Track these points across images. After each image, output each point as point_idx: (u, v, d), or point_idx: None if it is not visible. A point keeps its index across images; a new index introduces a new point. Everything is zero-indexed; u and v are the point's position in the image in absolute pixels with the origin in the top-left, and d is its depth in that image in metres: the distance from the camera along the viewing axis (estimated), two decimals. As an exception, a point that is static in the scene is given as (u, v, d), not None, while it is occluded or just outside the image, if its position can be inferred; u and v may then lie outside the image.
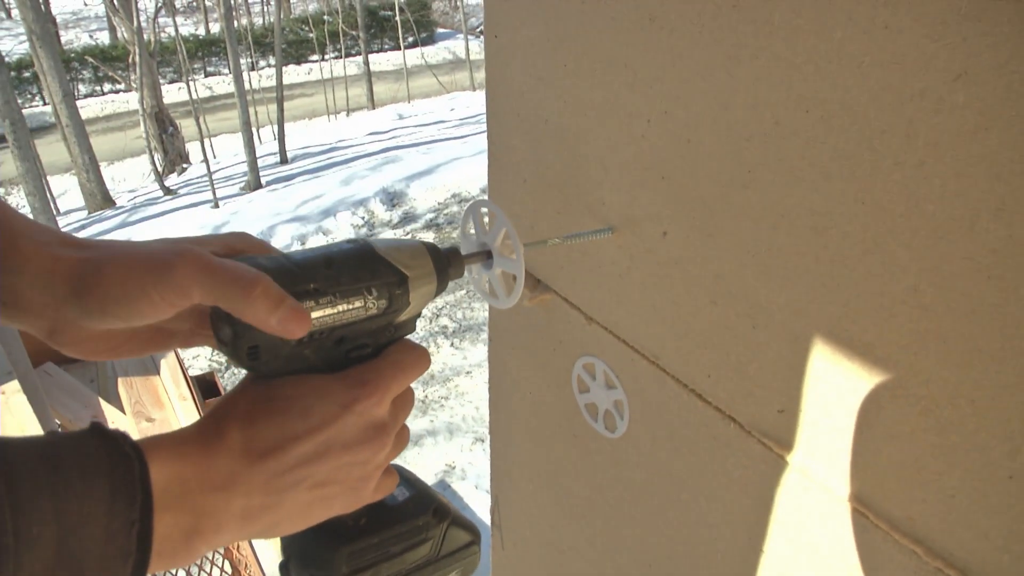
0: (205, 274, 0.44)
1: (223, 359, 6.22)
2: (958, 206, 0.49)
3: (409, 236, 8.36)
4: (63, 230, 0.49)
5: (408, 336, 0.57)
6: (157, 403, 2.56)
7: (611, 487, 0.95)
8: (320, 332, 0.49)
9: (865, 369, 0.59)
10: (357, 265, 0.51)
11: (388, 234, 8.55)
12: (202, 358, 6.43)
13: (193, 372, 5.78)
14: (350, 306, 0.50)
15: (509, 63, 0.90)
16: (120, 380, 2.55)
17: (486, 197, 0.76)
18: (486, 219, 0.72)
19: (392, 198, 9.53)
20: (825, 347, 0.61)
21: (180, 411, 2.42)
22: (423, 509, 0.59)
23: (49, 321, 0.47)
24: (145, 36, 12.05)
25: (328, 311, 0.49)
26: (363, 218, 9.05)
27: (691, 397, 0.76)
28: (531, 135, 0.90)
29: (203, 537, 0.44)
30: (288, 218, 9.12)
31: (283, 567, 0.59)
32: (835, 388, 0.61)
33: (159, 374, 2.58)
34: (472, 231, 0.72)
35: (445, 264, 0.58)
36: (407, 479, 0.61)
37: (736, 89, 0.62)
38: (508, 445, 1.20)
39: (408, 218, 8.96)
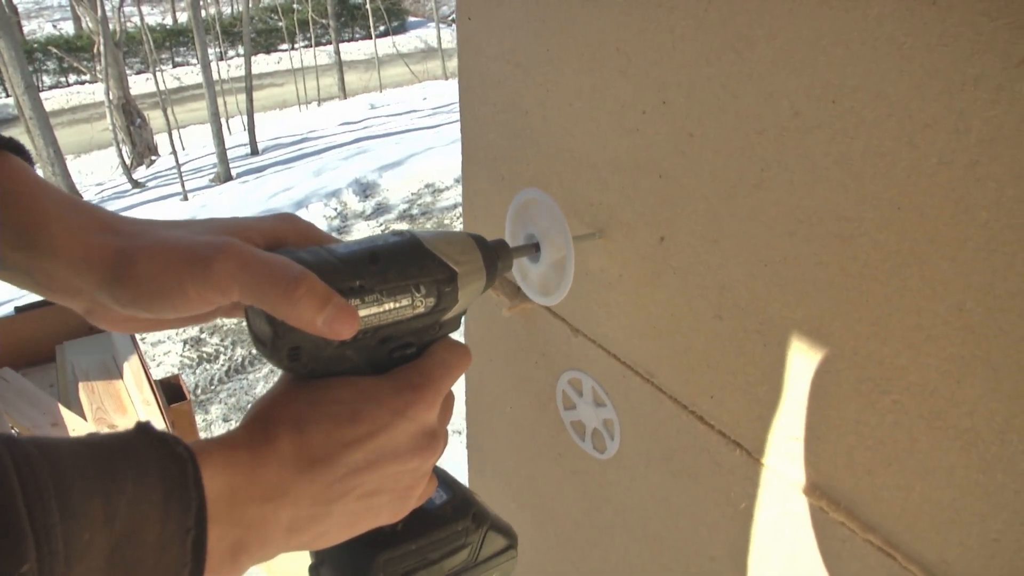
0: (246, 273, 0.41)
1: (194, 355, 6.10)
2: (1017, 214, 0.42)
3: (382, 228, 8.27)
4: (101, 208, 0.46)
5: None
6: (120, 408, 2.46)
7: (599, 510, 0.88)
8: (364, 332, 0.46)
9: (896, 396, 0.52)
10: (405, 261, 0.48)
11: (361, 225, 8.45)
12: (173, 354, 6.30)
13: (171, 364, 5.66)
14: (397, 304, 0.47)
15: (484, 48, 0.82)
16: (81, 385, 2.44)
17: (535, 188, 0.70)
18: (529, 210, 0.70)
19: (365, 189, 9.39)
20: (850, 370, 0.54)
21: (144, 416, 2.32)
22: (463, 514, 0.55)
23: (85, 302, 0.46)
24: (110, 26, 11.78)
25: (374, 310, 0.46)
26: (336, 209, 8.91)
27: (691, 419, 0.69)
28: (509, 128, 0.81)
29: (249, 552, 0.41)
30: (259, 210, 8.96)
31: (313, 571, 0.55)
32: (859, 416, 0.54)
33: (122, 378, 2.47)
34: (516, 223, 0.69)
35: (494, 258, 0.54)
36: (445, 481, 0.58)
37: (748, 75, 0.54)
38: (486, 462, 1.12)
39: (381, 209, 8.84)
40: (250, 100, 12.37)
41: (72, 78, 19.97)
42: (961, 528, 0.50)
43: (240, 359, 5.92)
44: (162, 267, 0.42)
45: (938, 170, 0.45)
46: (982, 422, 0.47)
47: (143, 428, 0.39)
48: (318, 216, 8.77)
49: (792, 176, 0.53)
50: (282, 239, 0.49)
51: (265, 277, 0.41)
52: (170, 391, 2.58)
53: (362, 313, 0.45)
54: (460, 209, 8.18)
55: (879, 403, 0.53)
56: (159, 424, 2.22)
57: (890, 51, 0.45)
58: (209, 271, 0.41)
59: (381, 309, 0.46)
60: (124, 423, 2.43)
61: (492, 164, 0.86)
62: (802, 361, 0.57)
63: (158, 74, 13.06)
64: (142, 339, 6.20)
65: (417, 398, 0.47)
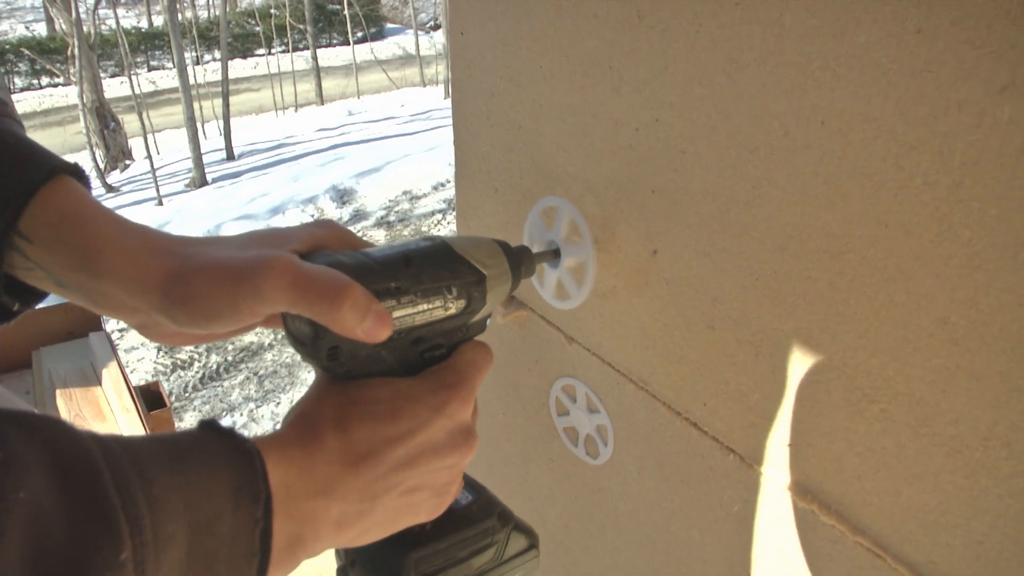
0: (294, 288, 0.43)
1: (168, 362, 6.04)
2: (999, 233, 0.44)
3: (360, 234, 8.24)
4: (155, 229, 0.48)
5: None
6: (99, 415, 2.43)
7: (591, 515, 0.90)
8: (399, 333, 0.48)
9: (883, 405, 0.54)
10: (437, 263, 0.50)
11: (339, 232, 8.40)
12: (147, 360, 6.24)
13: (145, 371, 5.61)
14: (430, 305, 0.49)
15: (477, 62, 0.83)
16: (59, 392, 2.42)
17: (555, 195, 0.73)
18: (547, 217, 0.73)
19: (342, 195, 9.35)
20: (839, 379, 0.56)
21: (123, 423, 2.30)
22: (489, 513, 0.57)
23: (140, 319, 0.48)
24: (85, 28, 11.65)
25: (409, 310, 0.48)
26: (312, 216, 8.87)
27: (685, 425, 0.71)
28: (503, 141, 0.83)
29: (304, 546, 0.43)
30: (235, 216, 8.90)
31: (342, 572, 0.56)
32: (849, 423, 0.56)
33: (100, 384, 2.45)
34: (535, 230, 0.72)
35: (519, 262, 0.57)
36: (468, 482, 0.59)
37: (739, 96, 0.56)
38: (479, 466, 1.13)
39: (359, 215, 8.81)
40: (226, 105, 12.28)
41: (45, 80, 19.72)
42: (947, 530, 0.53)
43: (215, 366, 5.88)
44: (216, 286, 0.44)
45: (923, 190, 0.47)
46: (966, 429, 0.50)
47: (208, 424, 0.41)
48: (295, 222, 8.70)
49: (782, 194, 0.55)
50: (321, 244, 0.51)
51: (312, 291, 0.43)
52: (150, 398, 2.56)
53: (397, 314, 0.47)
54: (437, 216, 8.18)
55: (867, 411, 0.55)
56: (139, 432, 2.21)
57: (877, 76, 0.47)
58: (259, 287, 0.43)
59: (416, 310, 0.48)
60: (103, 430, 2.40)
61: (485, 176, 0.87)
62: (793, 371, 0.59)
63: (133, 77, 12.92)
64: (115, 345, 6.14)
65: (453, 396, 0.50)
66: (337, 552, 0.55)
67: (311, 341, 0.46)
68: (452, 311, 0.51)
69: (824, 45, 0.50)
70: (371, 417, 0.47)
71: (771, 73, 0.54)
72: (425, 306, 0.49)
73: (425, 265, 0.49)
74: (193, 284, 0.44)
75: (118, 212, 0.48)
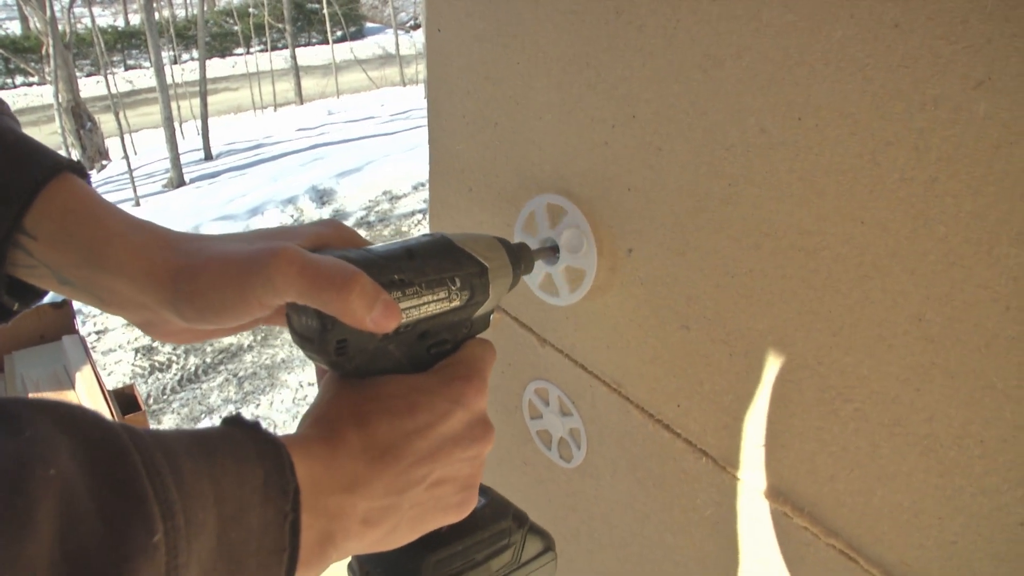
0: (301, 276, 0.43)
1: (146, 364, 5.97)
2: (975, 229, 0.44)
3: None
4: (160, 226, 0.49)
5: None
6: (71, 418, 2.39)
7: (566, 518, 0.89)
8: (406, 325, 0.49)
9: (858, 404, 0.53)
10: (439, 256, 0.51)
11: (318, 233, 8.36)
12: (124, 363, 6.17)
13: (123, 374, 5.53)
14: (435, 296, 0.50)
15: (453, 59, 0.82)
16: (31, 396, 2.37)
17: (554, 192, 0.72)
18: (546, 214, 0.73)
19: (322, 195, 9.31)
20: (813, 379, 0.55)
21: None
22: (503, 515, 0.57)
23: (145, 316, 0.48)
24: (60, 26, 11.52)
25: (414, 301, 0.48)
26: (292, 216, 8.82)
27: (657, 427, 0.70)
28: (478, 139, 0.82)
29: (334, 544, 0.42)
30: (214, 216, 8.83)
31: None
32: (822, 423, 0.56)
33: (74, 388, 2.41)
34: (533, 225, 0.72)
35: (518, 257, 0.57)
36: (480, 486, 0.59)
37: (716, 93, 0.55)
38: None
39: (339, 215, 8.77)
40: (204, 104, 12.19)
41: (19, 79, 19.49)
42: (920, 531, 0.52)
43: (193, 368, 5.82)
44: (224, 279, 0.44)
45: (899, 186, 0.47)
46: (940, 428, 0.49)
47: (234, 419, 0.41)
48: (274, 223, 8.66)
49: (758, 191, 0.55)
50: (325, 243, 0.51)
51: (321, 279, 0.43)
52: (124, 401, 2.52)
53: (403, 305, 0.47)
54: (418, 216, 8.16)
55: (841, 411, 0.54)
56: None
57: (853, 72, 0.47)
58: (268, 276, 0.43)
59: (420, 301, 0.49)
60: (76, 434, 2.34)
61: (460, 175, 0.86)
62: (767, 370, 0.59)
63: (109, 77, 12.80)
64: (92, 348, 6.07)
65: (467, 387, 0.50)
66: (350, 567, 0.55)
67: (319, 335, 0.45)
68: (456, 303, 0.51)
69: (801, 40, 0.49)
70: (389, 412, 0.46)
71: (748, 69, 0.53)
72: (430, 297, 0.49)
73: (428, 257, 0.50)
74: (201, 277, 0.45)
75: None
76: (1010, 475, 0.47)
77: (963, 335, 0.46)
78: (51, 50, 11.17)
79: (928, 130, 0.44)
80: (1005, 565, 0.49)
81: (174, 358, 5.97)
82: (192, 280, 0.45)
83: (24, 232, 0.45)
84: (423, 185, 8.78)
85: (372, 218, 8.63)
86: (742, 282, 0.58)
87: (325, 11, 20.15)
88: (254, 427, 0.40)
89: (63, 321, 2.42)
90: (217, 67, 20.49)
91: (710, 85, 0.56)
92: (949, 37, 0.42)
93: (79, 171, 0.48)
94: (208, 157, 12.03)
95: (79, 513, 0.30)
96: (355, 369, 0.48)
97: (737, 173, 0.56)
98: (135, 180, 10.07)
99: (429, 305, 0.49)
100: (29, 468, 0.29)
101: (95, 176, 12.21)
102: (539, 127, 0.73)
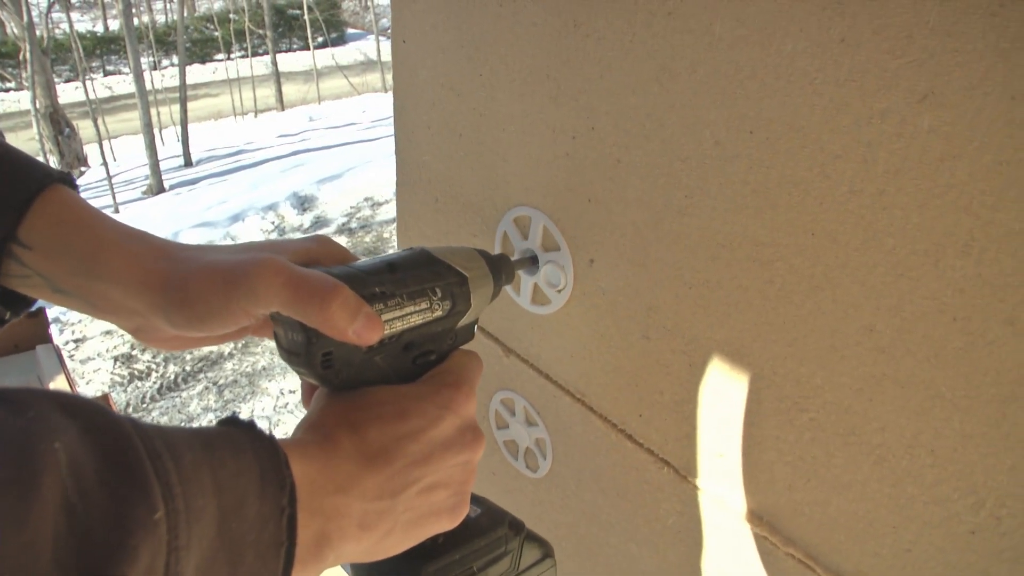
0: (285, 287, 0.44)
1: (125, 373, 5.92)
2: (921, 240, 0.44)
3: (321, 242, 8.15)
4: (153, 235, 0.50)
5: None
6: (44, 428, 2.36)
7: (533, 528, 0.89)
8: (390, 337, 0.50)
9: (812, 414, 0.54)
10: (419, 267, 0.52)
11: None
12: (103, 371, 6.11)
13: (101, 382, 5.47)
14: (417, 307, 0.51)
15: (418, 71, 0.82)
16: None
17: (527, 206, 0.73)
18: (519, 226, 0.74)
19: (303, 202, 9.27)
20: (769, 389, 0.56)
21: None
22: (499, 523, 0.57)
23: (137, 323, 0.50)
24: (37, 31, 11.42)
25: (396, 313, 0.49)
26: (273, 223, 8.78)
27: (620, 437, 0.70)
28: (443, 150, 0.82)
29: (330, 544, 0.43)
30: (194, 223, 8.77)
31: None
32: (779, 432, 0.56)
33: (47, 396, 2.38)
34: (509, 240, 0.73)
35: (498, 267, 0.59)
36: (473, 496, 0.59)
37: (672, 105, 0.56)
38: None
39: (320, 222, 8.74)
40: (184, 110, 12.12)
41: (-4, 85, 19.32)
42: (875, 539, 0.53)
43: (173, 376, 5.77)
44: (211, 287, 0.45)
45: (848, 198, 0.47)
46: (892, 438, 0.50)
47: (229, 419, 0.41)
48: (255, 229, 8.62)
49: (714, 203, 0.55)
50: (315, 258, 0.53)
51: (303, 289, 0.44)
52: (99, 411, 2.50)
53: (386, 317, 0.48)
54: (399, 223, 8.14)
55: (797, 420, 0.55)
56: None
57: (803, 85, 0.47)
58: (252, 286, 0.44)
59: (403, 312, 0.50)
60: (49, 444, 2.32)
61: (426, 186, 0.86)
62: (725, 380, 0.59)
63: (88, 82, 12.70)
64: (70, 356, 6.00)
65: (456, 393, 0.51)
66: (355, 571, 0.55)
67: (304, 349, 0.46)
68: (439, 313, 0.52)
69: (752, 54, 0.50)
70: (380, 419, 0.47)
71: (702, 82, 0.53)
72: (412, 308, 0.50)
73: (408, 269, 0.51)
74: (190, 285, 0.46)
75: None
76: (960, 484, 0.47)
77: (912, 346, 0.47)
78: (29, 55, 11.07)
79: (875, 143, 0.45)
80: (957, 573, 0.49)
81: (153, 366, 5.92)
82: (182, 288, 0.46)
83: (18, 242, 0.46)
84: (404, 191, 8.74)
85: (354, 224, 8.60)
86: (700, 292, 0.58)
87: (306, 17, 20.10)
88: (250, 426, 0.41)
89: (37, 331, 2.39)
90: (197, 73, 20.38)
91: (666, 97, 0.56)
92: (894, 52, 0.43)
93: (69, 182, 0.49)
94: (188, 163, 11.95)
95: (83, 487, 0.30)
96: (343, 383, 0.49)
97: (693, 185, 0.56)
98: (114, 186, 10.00)
99: (412, 316, 0.50)
100: (35, 440, 0.30)
101: (73, 183, 12.08)
102: (503, 139, 0.73)
